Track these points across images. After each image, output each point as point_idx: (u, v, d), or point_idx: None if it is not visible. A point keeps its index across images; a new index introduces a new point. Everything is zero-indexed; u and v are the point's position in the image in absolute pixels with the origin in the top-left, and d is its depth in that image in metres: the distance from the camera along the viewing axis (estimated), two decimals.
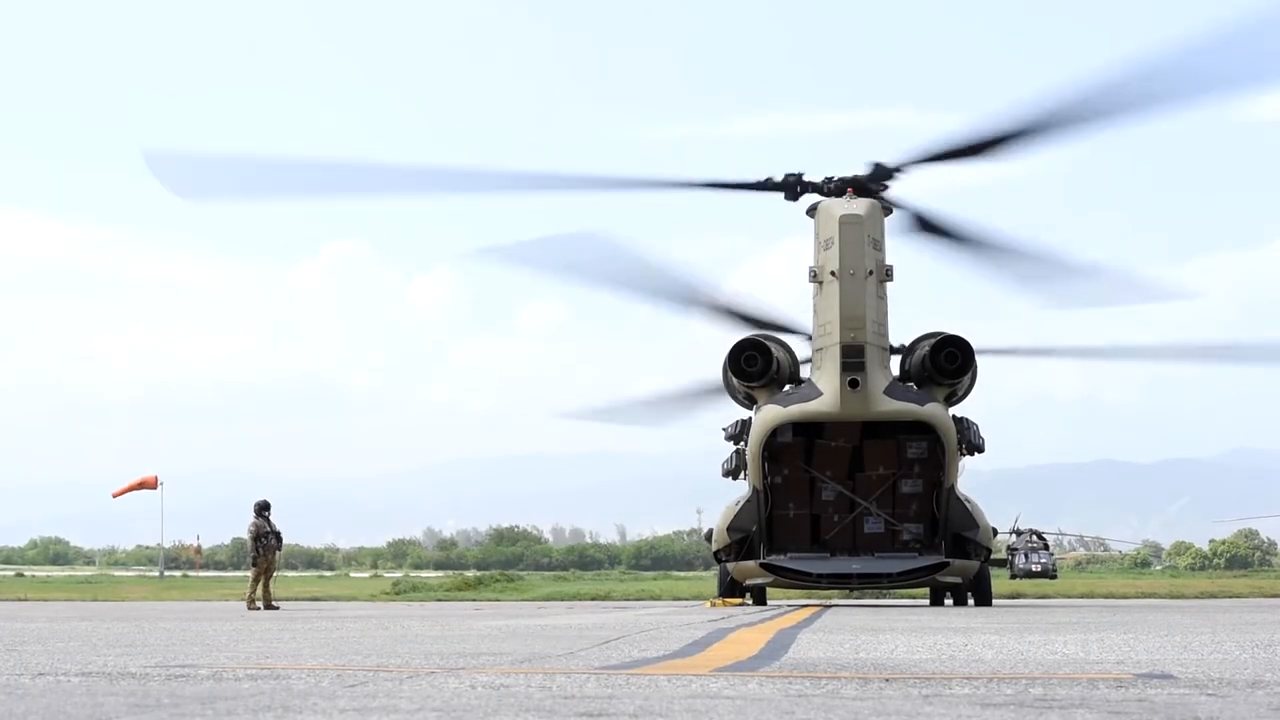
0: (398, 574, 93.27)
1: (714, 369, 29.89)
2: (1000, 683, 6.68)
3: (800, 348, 29.79)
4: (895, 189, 28.06)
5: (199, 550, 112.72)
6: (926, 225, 28.41)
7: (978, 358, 28.26)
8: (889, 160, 27.76)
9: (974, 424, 28.73)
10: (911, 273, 30.34)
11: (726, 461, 30.14)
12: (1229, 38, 24.20)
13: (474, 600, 41.87)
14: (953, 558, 27.52)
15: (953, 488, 27.91)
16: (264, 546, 27.67)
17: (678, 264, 31.71)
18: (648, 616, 19.66)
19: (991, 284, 29.91)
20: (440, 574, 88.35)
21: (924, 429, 27.79)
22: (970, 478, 31.08)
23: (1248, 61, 24.89)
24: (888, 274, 27.17)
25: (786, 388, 28.24)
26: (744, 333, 28.96)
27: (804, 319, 29.82)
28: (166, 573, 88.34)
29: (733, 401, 30.07)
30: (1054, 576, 70.80)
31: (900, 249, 28.44)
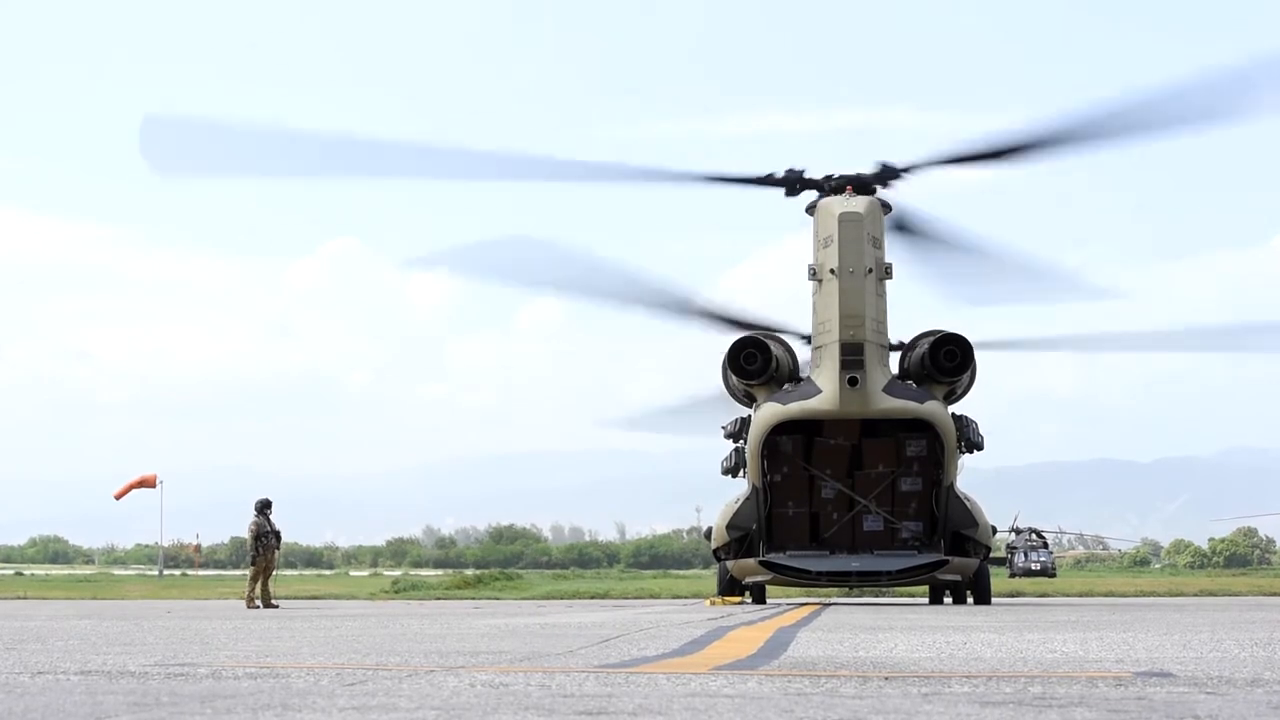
0: (397, 572, 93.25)
1: (714, 370, 29.90)
2: (999, 681, 6.68)
3: (795, 348, 29.81)
4: (902, 190, 28.10)
5: (198, 549, 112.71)
6: (902, 225, 28.50)
7: (976, 353, 28.26)
8: (897, 161, 27.82)
9: (973, 422, 28.73)
10: (911, 271, 30.28)
11: (726, 459, 30.14)
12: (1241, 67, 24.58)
13: (473, 599, 41.87)
14: (952, 556, 27.52)
15: (952, 485, 27.91)
16: (264, 545, 27.66)
17: (661, 274, 31.89)
18: (647, 615, 19.66)
19: (948, 284, 30.11)
20: (439, 572, 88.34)
21: (923, 427, 27.79)
22: (969, 476, 31.08)
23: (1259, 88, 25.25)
24: (887, 272, 27.17)
25: (785, 386, 28.23)
26: (737, 334, 28.99)
27: (795, 320, 29.97)
28: (166, 571, 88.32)
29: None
30: (1053, 575, 70.85)
31: (907, 246, 28.50)
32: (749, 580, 28.35)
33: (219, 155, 28.54)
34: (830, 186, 27.87)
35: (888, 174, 27.82)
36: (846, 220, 26.39)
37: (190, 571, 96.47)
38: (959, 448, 28.19)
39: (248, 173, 30.00)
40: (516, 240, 30.95)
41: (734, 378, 28.38)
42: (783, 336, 29.57)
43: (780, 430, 27.98)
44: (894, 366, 28.51)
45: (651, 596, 43.20)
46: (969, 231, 28.61)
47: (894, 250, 28.35)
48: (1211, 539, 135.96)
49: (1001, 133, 26.33)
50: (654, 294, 31.17)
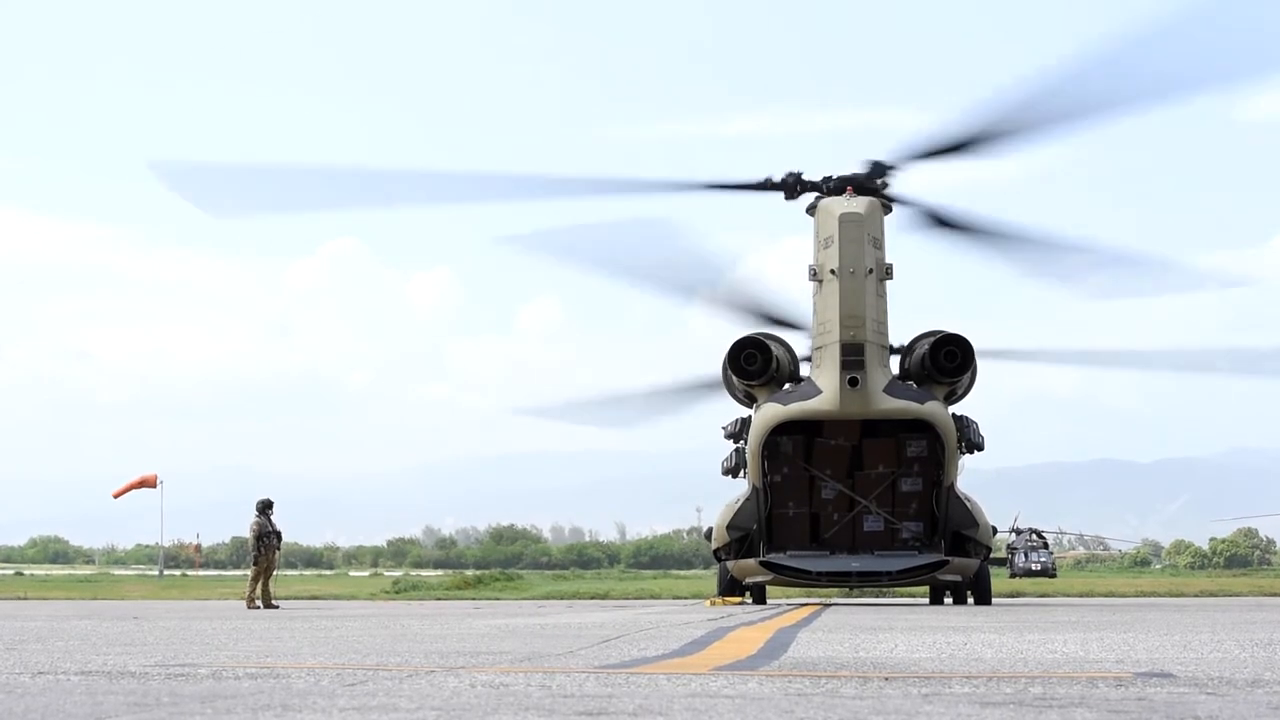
0: (397, 573, 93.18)
1: (710, 367, 29.92)
2: (1000, 682, 6.68)
3: (802, 345, 29.80)
4: (903, 185, 28.08)
5: (199, 549, 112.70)
6: (939, 221, 28.42)
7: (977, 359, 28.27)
8: (886, 158, 27.78)
9: (974, 422, 28.73)
10: (911, 272, 30.33)
11: (726, 460, 30.15)
12: (1219, 29, 24.38)
13: (473, 599, 41.88)
14: (952, 556, 27.53)
15: (952, 486, 27.91)
16: (266, 545, 27.71)
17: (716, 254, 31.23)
18: (647, 615, 19.66)
19: (1019, 278, 30.11)
20: (440, 573, 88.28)
21: (923, 427, 27.80)
22: (970, 476, 31.08)
23: (1234, 57, 25.08)
24: (888, 272, 27.18)
25: (786, 386, 28.25)
26: (752, 325, 29.00)
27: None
28: (166, 572, 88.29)
29: (694, 400, 30.25)
30: (1053, 575, 70.84)
31: (907, 247, 28.51)
32: (749, 580, 28.37)
33: (260, 194, 29.29)
34: (830, 187, 27.88)
35: (878, 171, 27.81)
36: (847, 220, 26.39)
37: (190, 572, 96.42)
38: (959, 448, 28.19)
39: (288, 209, 30.54)
40: (630, 224, 30.53)
41: (734, 378, 28.40)
42: (785, 336, 29.59)
43: (780, 431, 27.98)
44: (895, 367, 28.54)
45: (652, 597, 43.22)
46: (1010, 222, 28.56)
47: (917, 251, 28.44)
48: (1212, 539, 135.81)
49: (983, 120, 26.16)
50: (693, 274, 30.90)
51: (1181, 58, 24.63)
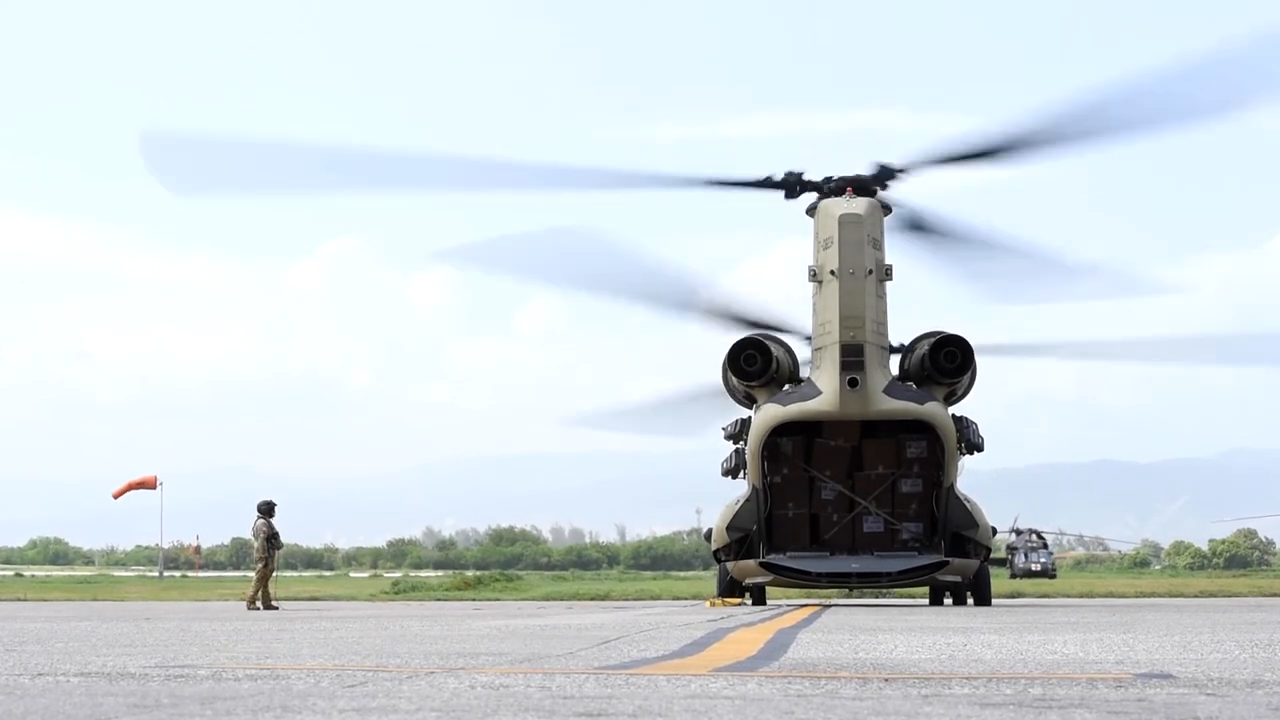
0: (397, 574, 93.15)
1: (713, 371, 29.91)
2: (999, 682, 6.69)
3: (796, 347, 29.84)
4: (906, 190, 28.19)
5: (198, 550, 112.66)
6: (918, 225, 28.57)
7: (976, 356, 28.30)
8: (894, 162, 27.87)
9: (973, 423, 28.75)
10: (912, 273, 30.39)
11: (726, 461, 30.16)
12: (1235, 54, 24.60)
13: (473, 600, 41.89)
14: (952, 557, 27.54)
15: (952, 487, 27.93)
16: (273, 547, 27.74)
17: (672, 263, 31.52)
18: (647, 616, 19.67)
19: (977, 282, 30.21)
20: (440, 574, 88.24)
21: (923, 428, 27.82)
22: (970, 477, 31.10)
23: (1255, 78, 25.31)
24: (887, 273, 27.22)
25: (786, 387, 28.26)
26: (740, 333, 28.98)
27: (800, 319, 29.94)
28: (166, 573, 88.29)
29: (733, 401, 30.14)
30: (1053, 576, 70.85)
31: (900, 249, 28.52)
32: (749, 581, 28.37)
33: (230, 171, 28.55)
34: (830, 188, 27.91)
35: (885, 174, 27.90)
36: (847, 222, 26.43)
37: (190, 573, 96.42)
38: (959, 449, 28.21)
39: (257, 188, 29.98)
40: (558, 232, 30.69)
41: (734, 379, 28.41)
42: (784, 337, 29.60)
43: (780, 431, 28.00)
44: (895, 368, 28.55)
45: (652, 598, 43.22)
46: (988, 229, 28.73)
47: (913, 251, 28.40)
48: (1211, 540, 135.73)
49: (997, 131, 26.42)
50: (666, 288, 31.10)
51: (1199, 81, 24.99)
